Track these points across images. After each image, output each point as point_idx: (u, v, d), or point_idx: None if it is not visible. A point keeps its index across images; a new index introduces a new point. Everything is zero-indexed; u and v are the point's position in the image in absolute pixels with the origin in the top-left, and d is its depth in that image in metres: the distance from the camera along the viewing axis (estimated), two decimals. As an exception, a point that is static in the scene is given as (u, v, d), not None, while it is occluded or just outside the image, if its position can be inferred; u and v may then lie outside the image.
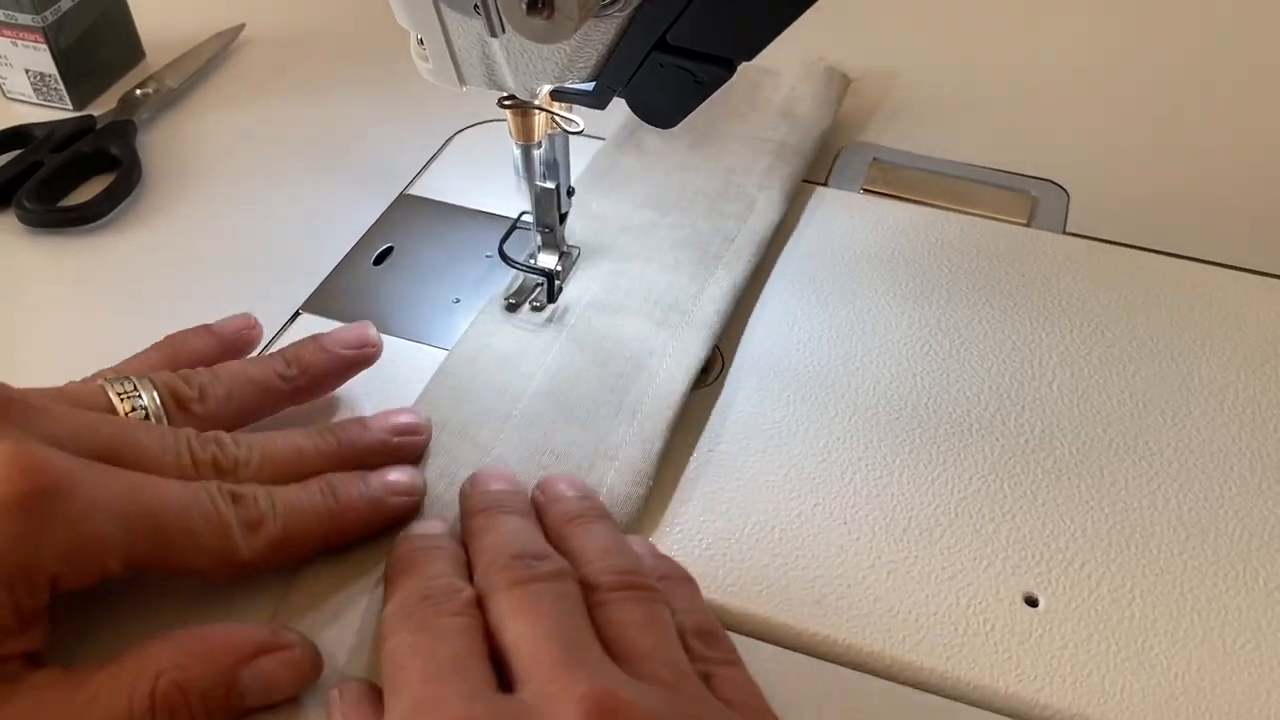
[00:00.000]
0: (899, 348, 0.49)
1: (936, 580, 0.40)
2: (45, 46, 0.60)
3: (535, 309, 0.50)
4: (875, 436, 0.45)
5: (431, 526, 0.39)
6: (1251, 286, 0.52)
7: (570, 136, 0.47)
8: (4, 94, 0.64)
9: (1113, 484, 0.43)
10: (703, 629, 0.36)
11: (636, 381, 0.46)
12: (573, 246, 0.52)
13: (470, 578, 0.36)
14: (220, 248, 0.54)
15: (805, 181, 0.58)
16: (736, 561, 0.41)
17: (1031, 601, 0.40)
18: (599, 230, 0.53)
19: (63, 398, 0.37)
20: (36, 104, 0.64)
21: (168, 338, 0.43)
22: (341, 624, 0.38)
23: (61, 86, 0.62)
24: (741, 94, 0.62)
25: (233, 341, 0.44)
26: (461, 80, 0.42)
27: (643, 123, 0.40)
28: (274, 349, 0.48)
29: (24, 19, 0.59)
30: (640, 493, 0.42)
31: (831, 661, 0.38)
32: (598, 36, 0.38)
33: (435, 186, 0.58)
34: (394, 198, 0.57)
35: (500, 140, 0.60)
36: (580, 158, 0.56)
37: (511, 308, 0.50)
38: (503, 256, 0.50)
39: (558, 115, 0.44)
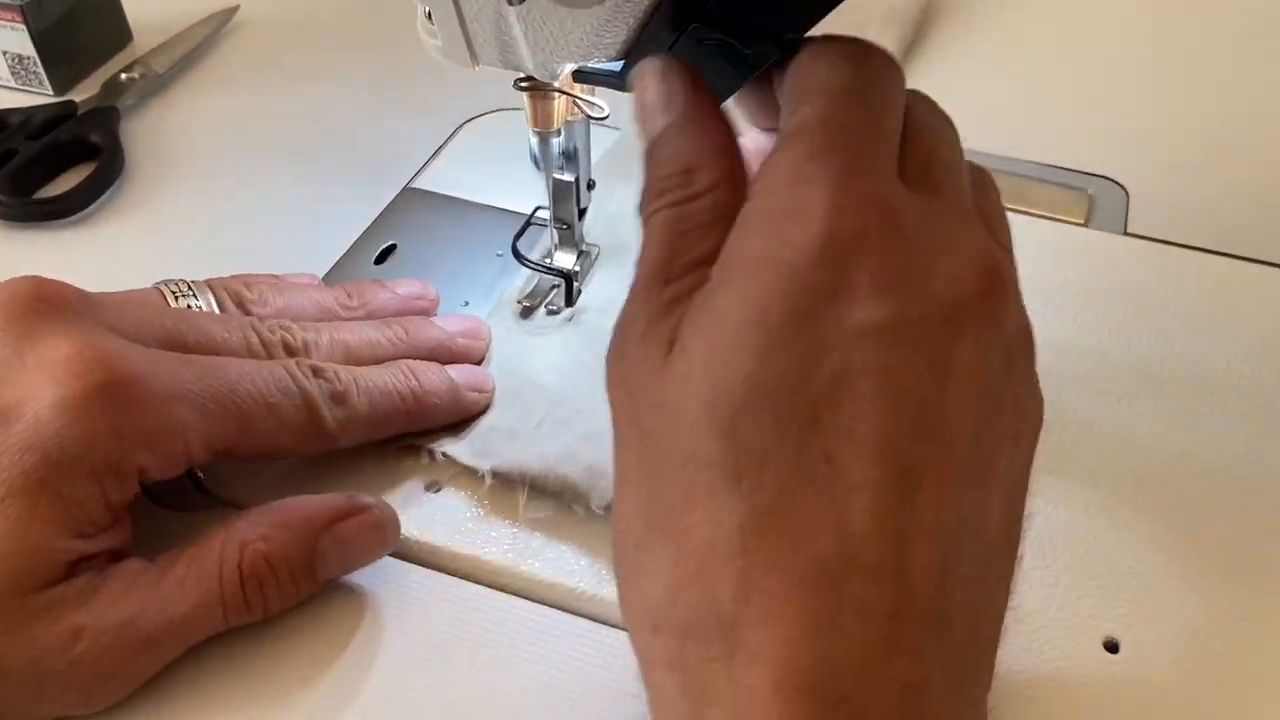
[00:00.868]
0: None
1: (1005, 622, 0.36)
2: (23, 26, 0.56)
3: (551, 313, 0.45)
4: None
5: None
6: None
7: (592, 125, 0.43)
8: (-21, 78, 0.60)
9: (1196, 512, 0.39)
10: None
11: None
12: (592, 245, 0.48)
13: None
14: (208, 245, 0.50)
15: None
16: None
17: (1112, 647, 0.35)
18: (617, 227, 0.49)
19: (120, 297, 0.37)
20: (14, 88, 0.59)
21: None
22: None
23: (40, 70, 0.58)
24: None
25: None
26: (474, 59, 0.38)
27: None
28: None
29: (0, -4, 0.55)
30: None
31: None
32: (629, 8, 0.34)
33: (443, 179, 0.54)
34: (398, 191, 0.53)
35: (514, 129, 0.55)
36: (602, 148, 0.52)
37: (526, 312, 0.45)
38: (516, 255, 0.46)
39: (580, 99, 0.40)
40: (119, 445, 0.31)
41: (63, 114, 0.55)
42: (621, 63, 0.37)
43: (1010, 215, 0.50)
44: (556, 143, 0.42)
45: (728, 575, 0.24)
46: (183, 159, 0.55)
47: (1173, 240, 0.50)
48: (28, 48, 0.57)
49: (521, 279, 0.47)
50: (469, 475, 0.39)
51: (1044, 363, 0.44)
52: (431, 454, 0.40)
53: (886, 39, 0.59)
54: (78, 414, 0.31)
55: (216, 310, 0.39)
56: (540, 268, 0.46)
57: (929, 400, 0.25)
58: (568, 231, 0.46)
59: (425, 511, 0.38)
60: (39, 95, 0.59)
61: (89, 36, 0.60)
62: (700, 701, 0.24)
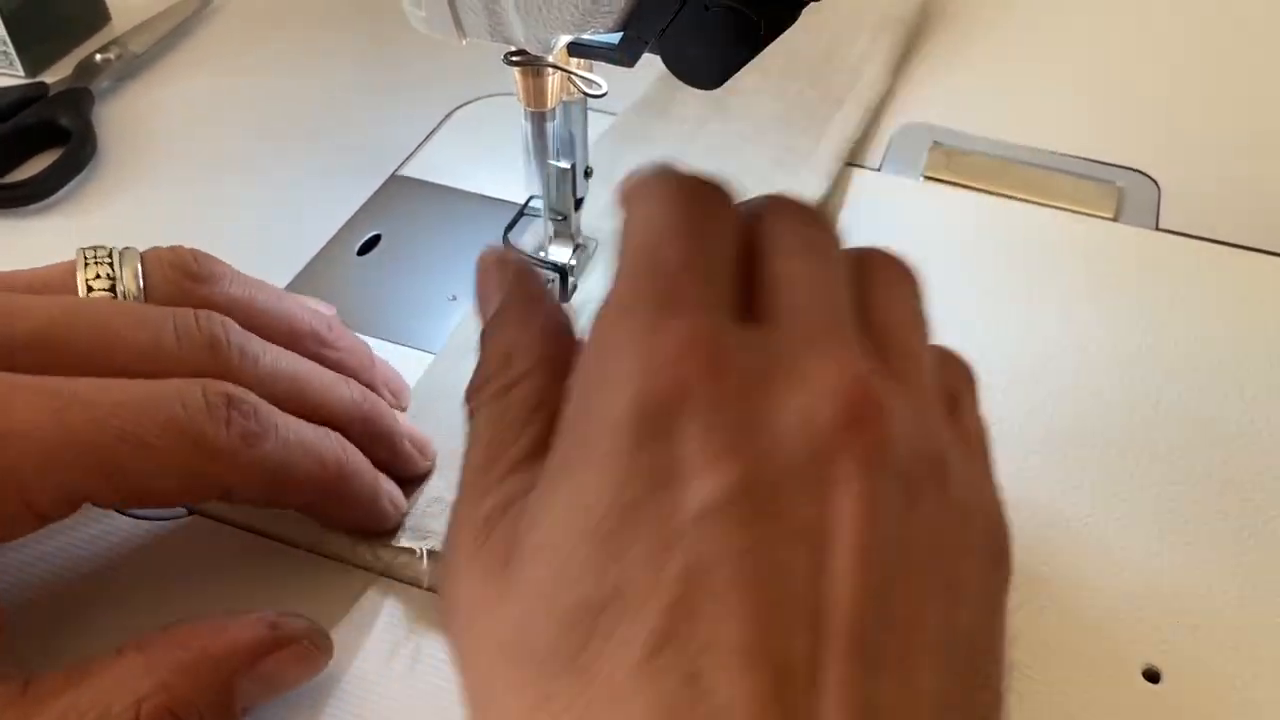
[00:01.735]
0: (975, 360, 0.41)
1: (1038, 649, 0.33)
2: (-8, 5, 0.53)
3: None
4: (952, 467, 0.38)
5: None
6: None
7: (589, 108, 0.40)
8: (-52, 59, 0.57)
9: (1240, 529, 0.36)
10: (950, 354, 0.30)
11: None
12: (589, 238, 0.45)
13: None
14: (182, 233, 0.46)
15: (855, 166, 0.50)
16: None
17: (1152, 676, 0.32)
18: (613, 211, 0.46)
19: (14, 280, 0.30)
20: (-17, 70, 0.56)
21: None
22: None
23: (11, 50, 0.55)
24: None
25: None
26: (461, 31, 0.35)
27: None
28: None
29: (-33, -28, 0.52)
30: None
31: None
32: (629, -27, 0.31)
33: (431, 167, 0.51)
34: (384, 179, 0.50)
35: (507, 116, 0.53)
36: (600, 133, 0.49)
37: None
38: (507, 247, 0.42)
39: (576, 75, 0.37)
40: None
41: (32, 96, 0.52)
42: (621, 35, 0.34)
43: (1035, 209, 0.48)
44: (552, 126, 0.39)
45: None
46: (158, 144, 0.52)
47: (1205, 235, 0.47)
48: (-3, 27, 0.54)
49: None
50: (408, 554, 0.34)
51: (1071, 365, 0.41)
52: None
53: (877, 54, 0.56)
54: None
55: (141, 287, 0.32)
56: (534, 261, 0.43)
57: (804, 577, 0.20)
58: (563, 223, 0.43)
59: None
60: (9, 76, 0.56)
61: (63, 16, 0.57)
62: None
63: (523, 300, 0.29)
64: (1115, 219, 0.48)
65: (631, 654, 0.20)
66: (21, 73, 0.56)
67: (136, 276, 0.32)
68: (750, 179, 0.47)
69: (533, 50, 0.35)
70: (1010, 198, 0.49)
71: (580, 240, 0.44)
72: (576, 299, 0.43)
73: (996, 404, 0.39)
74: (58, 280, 0.31)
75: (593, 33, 0.33)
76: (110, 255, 0.32)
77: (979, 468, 0.27)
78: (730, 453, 0.21)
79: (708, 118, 0.52)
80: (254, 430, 0.29)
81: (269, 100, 0.55)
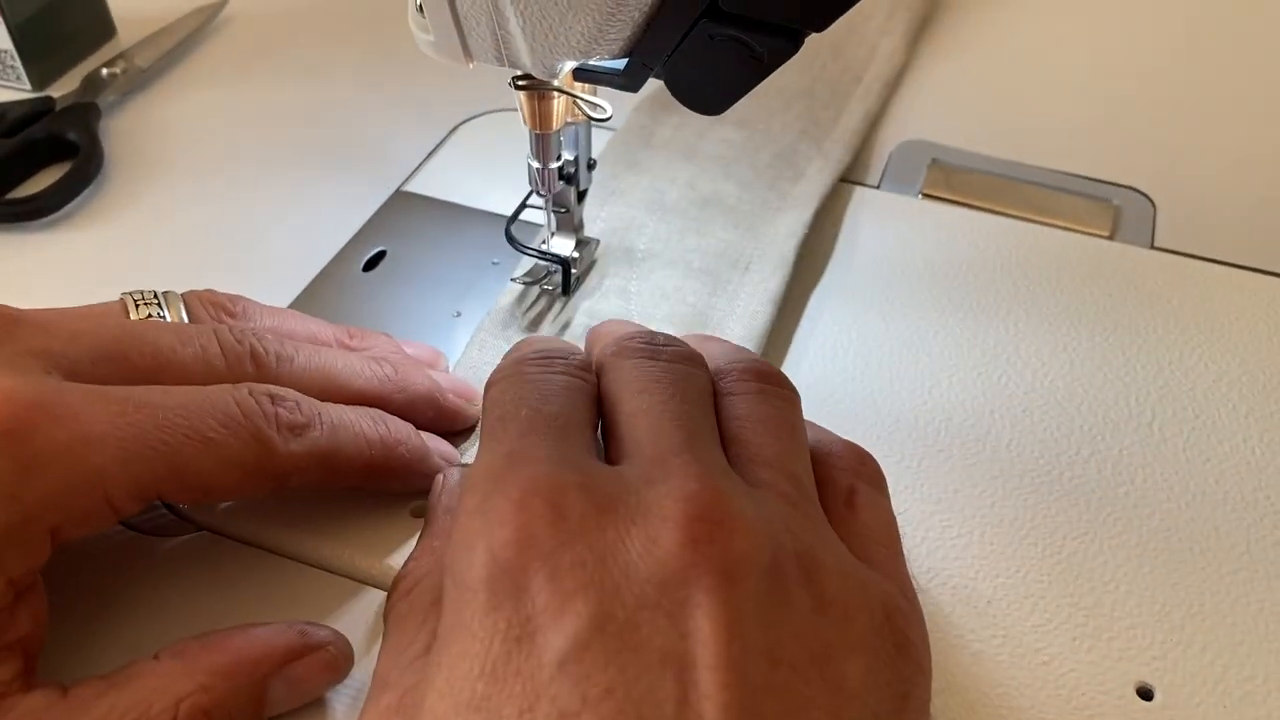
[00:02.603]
0: (972, 378, 0.42)
1: (1030, 666, 0.33)
2: (0, 20, 0.54)
3: (547, 291, 0.43)
4: (950, 485, 0.38)
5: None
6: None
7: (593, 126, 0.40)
8: (-44, 72, 0.57)
9: (1232, 547, 0.36)
10: (852, 449, 0.31)
11: None
12: (591, 237, 0.45)
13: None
14: (189, 249, 0.47)
15: (853, 183, 0.51)
16: (789, 638, 0.34)
17: (1145, 693, 0.33)
18: (617, 224, 0.47)
19: (59, 314, 0.32)
20: (-10, 83, 0.57)
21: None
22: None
23: (18, 64, 0.55)
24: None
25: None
26: (468, 55, 0.35)
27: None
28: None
29: (-24, -13, 0.53)
30: None
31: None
32: (634, 2, 0.32)
33: (435, 183, 0.51)
34: (389, 195, 0.50)
35: (510, 132, 0.53)
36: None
37: (527, 285, 0.44)
38: (510, 239, 0.43)
39: (581, 99, 0.38)
40: (19, 507, 0.26)
41: (39, 110, 0.52)
42: (625, 61, 0.34)
43: (1032, 227, 0.49)
44: (555, 144, 0.40)
45: None
46: (165, 158, 0.52)
47: (1200, 254, 0.48)
48: (5, 41, 0.54)
49: (513, 292, 0.44)
50: None
51: (1066, 383, 0.41)
52: None
53: (895, 28, 0.59)
54: None
55: (185, 322, 0.35)
56: (537, 253, 0.43)
57: (672, 705, 0.20)
58: (566, 216, 0.43)
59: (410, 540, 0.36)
60: (17, 90, 0.56)
61: (70, 29, 0.58)
62: None
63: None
64: (1111, 237, 0.49)
65: None
66: (29, 86, 0.56)
67: (180, 315, 0.35)
68: (775, 150, 0.50)
69: (539, 75, 0.35)
70: (1008, 216, 0.49)
71: (582, 235, 0.44)
72: (574, 307, 0.43)
73: (992, 430, 0.40)
74: (104, 308, 0.34)
75: (599, 58, 0.34)
76: (156, 296, 0.35)
77: (877, 559, 0.27)
78: (579, 593, 0.21)
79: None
80: (299, 421, 0.31)
81: (274, 115, 0.55)
